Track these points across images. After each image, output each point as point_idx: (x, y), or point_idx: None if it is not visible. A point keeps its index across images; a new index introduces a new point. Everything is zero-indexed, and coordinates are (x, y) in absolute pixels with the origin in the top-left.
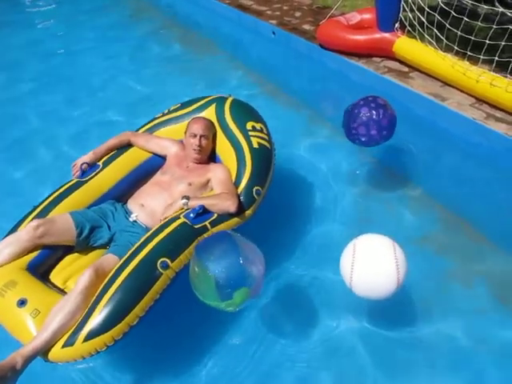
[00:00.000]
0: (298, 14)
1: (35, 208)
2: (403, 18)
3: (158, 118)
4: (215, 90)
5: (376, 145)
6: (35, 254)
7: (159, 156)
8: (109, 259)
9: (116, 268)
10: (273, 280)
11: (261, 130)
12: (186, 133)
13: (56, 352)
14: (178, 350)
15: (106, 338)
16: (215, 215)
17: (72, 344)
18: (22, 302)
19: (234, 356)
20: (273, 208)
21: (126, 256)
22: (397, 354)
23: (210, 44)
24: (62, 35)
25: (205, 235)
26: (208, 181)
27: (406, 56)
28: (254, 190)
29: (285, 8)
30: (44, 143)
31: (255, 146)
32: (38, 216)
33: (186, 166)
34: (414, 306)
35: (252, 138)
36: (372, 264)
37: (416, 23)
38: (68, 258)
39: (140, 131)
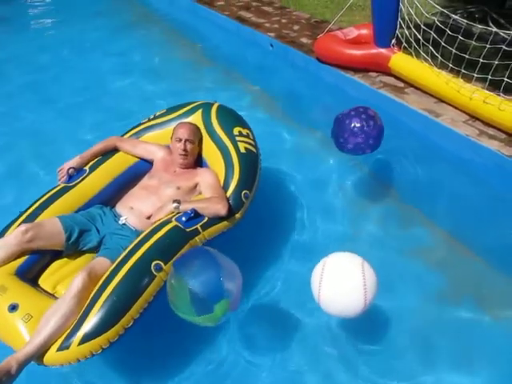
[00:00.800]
0: (296, 27)
1: (22, 213)
2: (400, 35)
3: (144, 123)
4: (210, 99)
5: (363, 154)
6: (23, 258)
7: (146, 161)
8: (101, 262)
9: (110, 271)
10: (254, 290)
11: (247, 136)
12: (172, 138)
13: (51, 356)
14: (165, 357)
15: (101, 340)
16: (206, 219)
17: (67, 347)
18: (13, 307)
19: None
20: (259, 217)
21: (119, 259)
22: (380, 368)
23: (207, 54)
24: (67, 36)
25: (196, 238)
26: (196, 185)
27: (402, 72)
28: (243, 193)
29: (283, 21)
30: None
31: (242, 150)
32: (25, 221)
33: (173, 171)
34: (402, 323)
35: (239, 143)
36: (339, 283)
37: (412, 40)
38: (57, 263)
39: (126, 136)
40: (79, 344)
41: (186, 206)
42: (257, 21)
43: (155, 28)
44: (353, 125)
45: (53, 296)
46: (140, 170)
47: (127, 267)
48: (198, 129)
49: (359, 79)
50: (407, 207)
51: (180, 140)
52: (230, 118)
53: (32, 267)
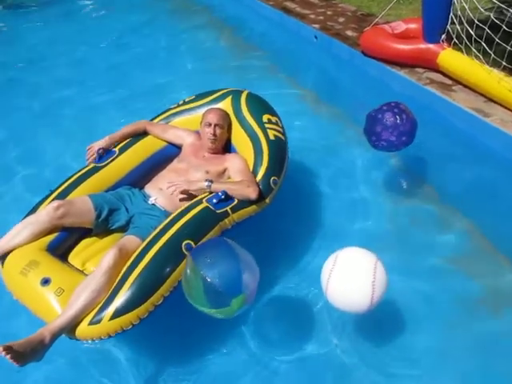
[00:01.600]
0: (341, 19)
1: (52, 192)
2: (450, 30)
3: (173, 108)
4: (248, 88)
5: (396, 150)
6: (54, 235)
7: (174, 145)
8: (131, 240)
9: (141, 248)
10: (273, 283)
11: (276, 123)
12: (201, 123)
13: (82, 329)
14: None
15: (132, 316)
16: (236, 201)
17: (99, 322)
18: (45, 281)
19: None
20: (284, 208)
21: (150, 237)
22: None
23: (250, 43)
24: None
25: (226, 220)
26: (225, 170)
27: (451, 68)
28: (271, 179)
29: (328, 13)
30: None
31: (271, 137)
32: (56, 199)
33: (202, 156)
34: (435, 331)
35: (268, 130)
36: (348, 278)
37: (464, 36)
38: (86, 241)
39: (155, 120)
40: (110, 319)
41: (217, 186)
42: (301, 12)
43: (198, 16)
44: (385, 119)
45: (82, 273)
46: (168, 154)
47: (158, 246)
48: (227, 114)
49: (405, 74)
50: (448, 210)
51: (210, 125)
52: (259, 106)
53: (62, 244)
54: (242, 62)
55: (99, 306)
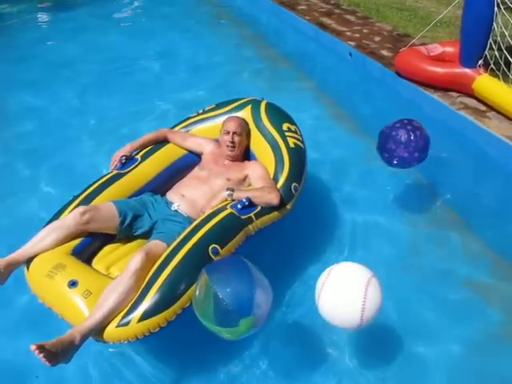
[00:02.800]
0: (377, 38)
1: (76, 197)
2: (488, 56)
3: (193, 117)
4: (278, 101)
5: (409, 166)
6: (79, 240)
7: (194, 153)
8: (157, 245)
9: (168, 252)
10: (286, 299)
11: (295, 132)
12: (221, 131)
13: (110, 331)
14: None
15: (159, 318)
16: (259, 208)
17: (127, 324)
18: (73, 283)
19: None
20: (299, 222)
21: (176, 242)
22: None
23: (284, 56)
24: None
25: (250, 226)
26: (245, 177)
27: (486, 95)
28: (292, 186)
29: (365, 31)
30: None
31: (291, 145)
32: (80, 204)
33: (222, 163)
34: (455, 358)
35: (288, 138)
36: (338, 293)
37: (502, 62)
38: (109, 246)
39: (176, 128)
40: (139, 321)
41: (239, 194)
42: (337, 28)
43: (235, 27)
44: (399, 136)
45: (107, 276)
46: (189, 162)
47: (185, 249)
48: (246, 123)
49: (438, 98)
50: (473, 237)
51: (228, 133)
52: (279, 114)
53: (86, 249)
54: (273, 74)
55: (127, 308)
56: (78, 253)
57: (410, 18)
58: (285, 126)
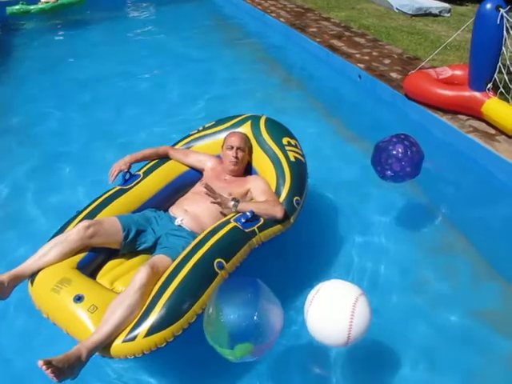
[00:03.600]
0: (386, 61)
1: (79, 212)
2: (497, 79)
3: (194, 134)
4: (287, 121)
5: (402, 181)
6: (82, 255)
7: (195, 170)
8: (162, 259)
9: (173, 267)
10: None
11: (295, 146)
12: (223, 146)
13: (117, 347)
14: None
15: (166, 333)
16: (262, 221)
17: (133, 339)
18: (78, 298)
19: None
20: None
21: (182, 256)
22: None
23: (294, 77)
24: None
25: (254, 239)
26: (247, 191)
27: (495, 118)
28: (294, 199)
29: (374, 54)
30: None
31: (292, 159)
32: (84, 220)
33: (224, 179)
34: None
35: (289, 152)
36: (325, 310)
37: (511, 86)
38: (113, 261)
39: (177, 146)
40: (145, 336)
41: (243, 206)
42: (348, 51)
43: (247, 46)
44: (395, 151)
45: (112, 291)
46: (190, 178)
47: (191, 264)
48: (247, 138)
49: (447, 121)
50: (481, 261)
51: (231, 148)
52: (278, 129)
53: (90, 264)
54: (283, 94)
55: (133, 323)
56: (82, 267)
57: (420, 42)
58: (285, 141)
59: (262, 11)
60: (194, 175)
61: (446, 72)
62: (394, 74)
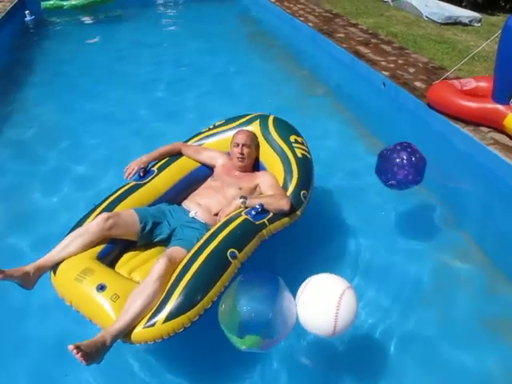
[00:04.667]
0: (411, 69)
1: (97, 206)
2: None
3: (205, 132)
4: (309, 123)
5: (406, 188)
6: (102, 246)
7: (206, 166)
8: (178, 250)
9: (189, 257)
10: None
11: (302, 143)
12: (231, 144)
13: (138, 333)
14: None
15: (184, 319)
16: (271, 214)
17: (153, 325)
18: (101, 287)
19: None
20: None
21: (196, 247)
22: None
23: (319, 81)
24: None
25: (264, 231)
26: (256, 186)
27: None
28: (302, 193)
29: (400, 62)
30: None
31: (299, 155)
32: (102, 212)
33: (234, 174)
34: None
35: (296, 149)
36: (314, 303)
37: None
38: (130, 253)
39: (189, 142)
40: (164, 322)
41: (252, 202)
42: (373, 58)
43: (273, 49)
44: (400, 159)
45: (132, 280)
46: (202, 174)
47: (206, 254)
48: (254, 135)
49: (469, 132)
50: (496, 274)
51: (238, 145)
52: (286, 128)
53: (109, 255)
54: (307, 98)
55: (152, 310)
56: (101, 258)
57: (447, 51)
58: (292, 138)
59: (291, 15)
60: (205, 171)
61: (471, 83)
62: (418, 83)
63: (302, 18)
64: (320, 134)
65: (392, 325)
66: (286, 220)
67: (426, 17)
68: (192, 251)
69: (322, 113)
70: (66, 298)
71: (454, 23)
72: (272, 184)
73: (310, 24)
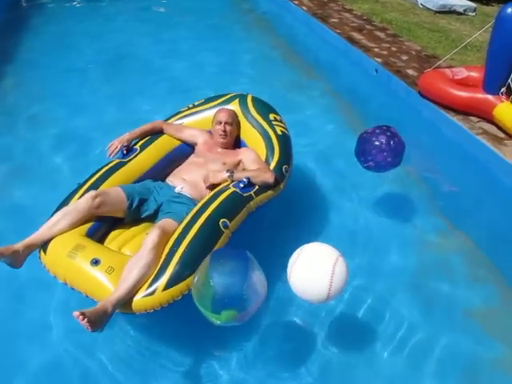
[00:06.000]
0: (404, 57)
1: (82, 184)
2: (511, 84)
3: (184, 111)
4: (300, 107)
5: (386, 170)
6: (90, 223)
7: (187, 144)
8: (169, 222)
9: (182, 227)
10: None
11: (280, 121)
12: (213, 122)
13: (138, 302)
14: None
15: (182, 286)
16: (257, 187)
17: (152, 293)
18: (95, 262)
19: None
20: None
21: (188, 219)
22: None
23: (312, 66)
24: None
25: (251, 203)
26: (239, 161)
27: (506, 122)
28: (283, 168)
29: (393, 49)
30: None
31: (279, 132)
32: (88, 190)
33: (216, 151)
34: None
35: (276, 127)
36: (309, 270)
37: None
38: (118, 229)
39: (169, 121)
40: (163, 290)
41: (238, 175)
42: (367, 44)
43: (266, 33)
44: (378, 142)
45: (124, 254)
46: (184, 151)
47: (199, 224)
48: (235, 114)
49: (458, 121)
50: (480, 261)
51: (220, 123)
52: (264, 106)
53: (97, 232)
54: (299, 82)
55: (150, 280)
56: (90, 235)
57: (440, 40)
58: (271, 116)
59: None
60: (187, 149)
61: (462, 73)
62: (410, 71)
63: (296, 2)
64: (310, 118)
65: (372, 307)
66: (270, 193)
67: (421, 4)
68: (185, 222)
69: (312, 97)
70: (59, 276)
71: (449, 12)
72: (255, 159)
73: (305, 8)
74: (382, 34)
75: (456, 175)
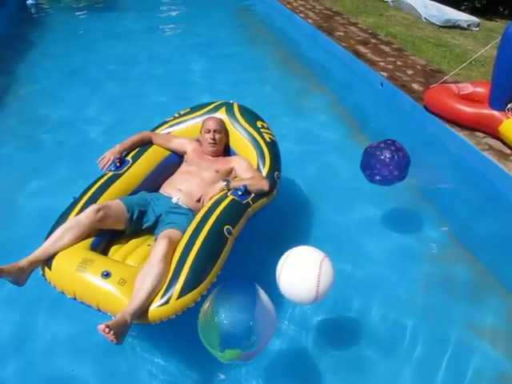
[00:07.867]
0: (410, 71)
1: (79, 198)
2: None
3: (170, 120)
4: (305, 120)
5: (391, 184)
6: (93, 237)
7: (176, 154)
8: (173, 232)
9: (188, 237)
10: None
11: (268, 128)
12: (201, 131)
13: (154, 311)
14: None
15: (195, 294)
16: (253, 194)
17: (167, 302)
18: (106, 274)
19: None
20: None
21: (193, 227)
22: None
23: (317, 79)
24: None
25: (249, 209)
26: (231, 169)
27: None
28: (275, 174)
29: (398, 63)
30: None
31: (268, 140)
32: (86, 204)
33: (207, 159)
34: None
35: (264, 134)
36: (296, 273)
37: None
38: (120, 241)
39: (156, 131)
40: (177, 298)
41: (235, 184)
42: (372, 58)
43: (273, 46)
44: (383, 156)
45: (132, 266)
46: (175, 161)
47: (204, 232)
48: (223, 122)
49: (464, 136)
50: (486, 279)
51: (209, 131)
52: (251, 114)
53: (100, 245)
54: (304, 95)
55: (163, 289)
56: (94, 248)
57: (445, 55)
58: (259, 124)
59: (291, 11)
60: (177, 157)
61: (468, 88)
62: (415, 86)
63: (302, 15)
64: (315, 130)
65: (373, 319)
66: (265, 200)
67: (425, 19)
68: (189, 231)
69: (317, 110)
70: (68, 291)
71: (453, 26)
72: (248, 167)
73: (310, 21)
74: (387, 48)
75: (461, 190)
